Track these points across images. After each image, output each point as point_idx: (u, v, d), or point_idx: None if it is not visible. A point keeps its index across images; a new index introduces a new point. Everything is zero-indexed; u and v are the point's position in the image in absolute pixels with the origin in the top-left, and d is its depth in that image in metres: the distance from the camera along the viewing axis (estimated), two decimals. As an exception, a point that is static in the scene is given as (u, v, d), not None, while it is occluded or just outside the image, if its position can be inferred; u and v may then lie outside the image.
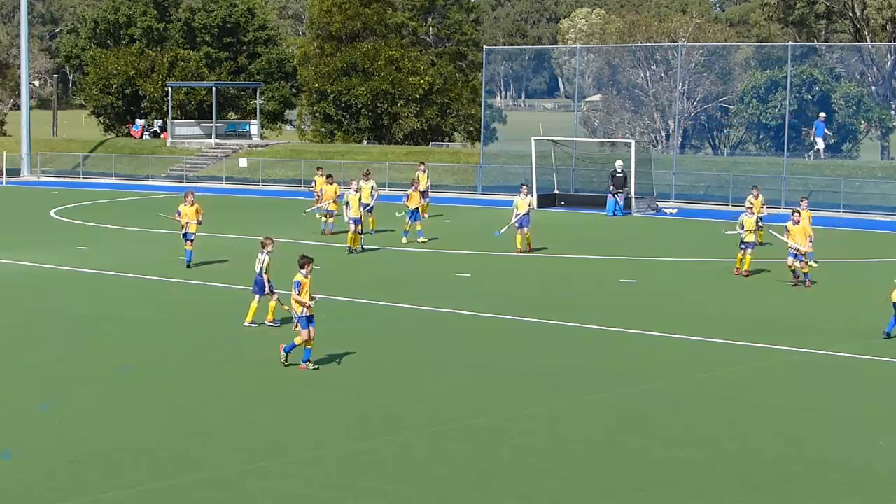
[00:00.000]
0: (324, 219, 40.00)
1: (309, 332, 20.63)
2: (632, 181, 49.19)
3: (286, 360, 20.83)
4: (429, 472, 15.48)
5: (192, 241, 32.07)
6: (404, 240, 37.82)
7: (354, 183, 38.00)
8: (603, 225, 43.83)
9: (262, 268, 23.88)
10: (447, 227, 42.72)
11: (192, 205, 31.96)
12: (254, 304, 24.18)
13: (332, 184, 40.04)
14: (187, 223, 31.82)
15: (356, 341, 23.37)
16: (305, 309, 20.58)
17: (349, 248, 35.59)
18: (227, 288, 28.96)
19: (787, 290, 29.83)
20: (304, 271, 20.77)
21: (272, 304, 24.03)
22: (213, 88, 75.20)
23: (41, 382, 20.07)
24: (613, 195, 48.39)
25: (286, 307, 21.71)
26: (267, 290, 23.89)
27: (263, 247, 24.16)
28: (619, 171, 48.71)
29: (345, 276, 31.00)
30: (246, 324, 24.15)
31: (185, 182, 64.64)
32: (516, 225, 35.20)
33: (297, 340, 20.73)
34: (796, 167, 54.10)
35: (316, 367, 20.80)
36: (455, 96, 75.27)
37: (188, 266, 31.94)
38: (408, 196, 38.00)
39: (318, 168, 46.26)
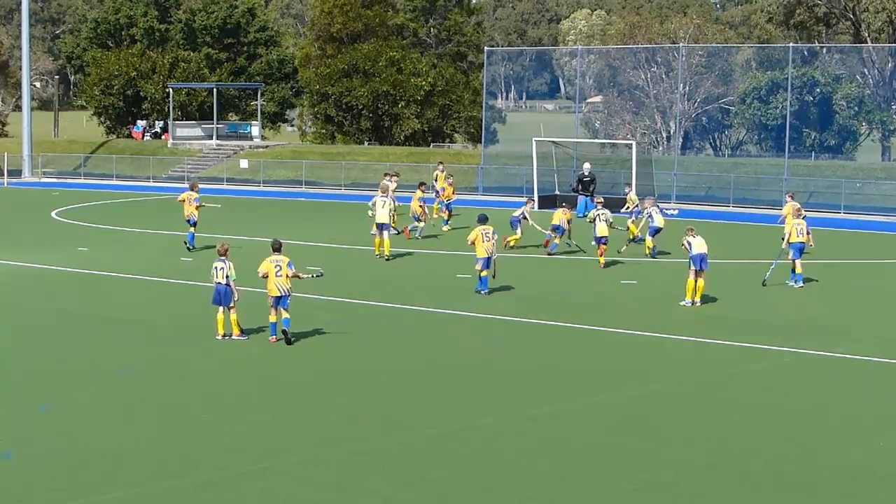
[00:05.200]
0: (417, 224, 39.65)
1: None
2: (633, 182, 49.14)
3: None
4: (429, 472, 15.48)
5: None
6: (445, 228, 41.39)
7: (386, 191, 36.73)
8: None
9: (226, 276, 22.85)
10: (447, 227, 42.71)
11: None
12: (220, 316, 23.22)
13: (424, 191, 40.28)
14: None
15: (356, 341, 23.39)
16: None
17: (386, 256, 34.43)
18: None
19: (787, 291, 29.84)
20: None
21: (234, 316, 23.15)
22: (214, 89, 75.26)
23: (42, 383, 20.09)
24: (577, 194, 48.01)
25: (303, 276, 23.40)
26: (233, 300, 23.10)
27: (221, 254, 23.05)
28: (587, 174, 48.36)
29: (344, 277, 31.01)
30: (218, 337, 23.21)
31: (186, 183, 64.73)
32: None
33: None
34: (797, 168, 54.12)
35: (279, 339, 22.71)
36: (456, 98, 75.31)
37: None
38: (443, 189, 42.29)
39: (443, 167, 45.83)
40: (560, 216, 35.60)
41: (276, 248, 23.07)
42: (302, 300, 26.62)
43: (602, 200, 35.05)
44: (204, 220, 37.80)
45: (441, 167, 45.24)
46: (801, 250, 30.11)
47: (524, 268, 33.83)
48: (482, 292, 28.38)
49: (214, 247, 24.60)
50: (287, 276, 22.64)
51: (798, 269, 30.07)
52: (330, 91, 73.44)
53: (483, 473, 15.37)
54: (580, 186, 48.57)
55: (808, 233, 30.40)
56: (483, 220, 28.69)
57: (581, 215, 47.61)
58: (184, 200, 36.53)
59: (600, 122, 79.52)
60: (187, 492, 14.63)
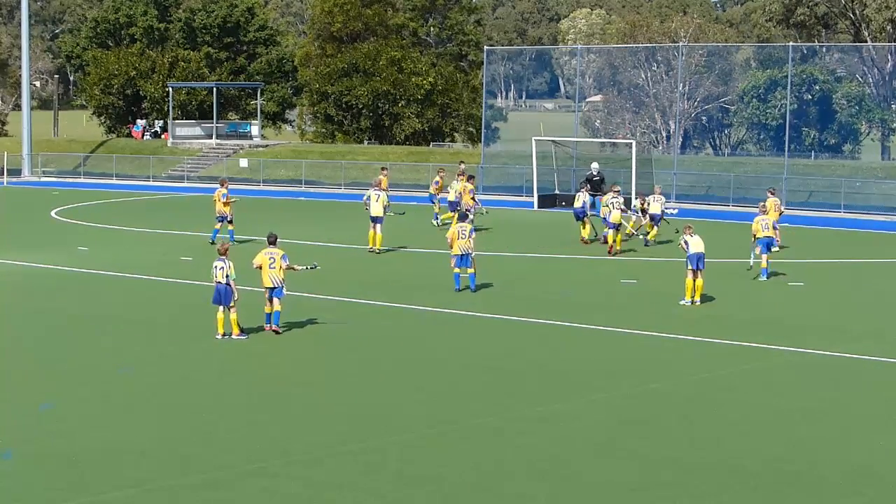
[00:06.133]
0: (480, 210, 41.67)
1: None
2: (633, 182, 49.06)
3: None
4: (429, 472, 15.49)
5: None
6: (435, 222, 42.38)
7: (376, 183, 39.33)
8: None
9: (226, 275, 22.87)
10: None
11: None
12: (220, 315, 23.24)
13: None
14: None
15: (356, 341, 23.40)
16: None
17: (378, 249, 35.61)
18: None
19: (787, 290, 29.85)
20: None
21: (234, 316, 23.14)
22: (214, 89, 75.20)
23: (42, 382, 20.09)
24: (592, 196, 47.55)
25: (298, 268, 24.34)
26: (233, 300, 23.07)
27: (222, 254, 23.09)
28: (596, 173, 47.99)
29: (345, 276, 31.02)
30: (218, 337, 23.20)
31: (186, 182, 64.76)
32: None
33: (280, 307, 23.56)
34: (797, 167, 54.10)
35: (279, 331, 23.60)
36: (456, 97, 75.25)
37: None
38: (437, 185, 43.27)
39: (464, 166, 46.51)
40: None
41: (272, 241, 23.88)
42: (301, 299, 26.66)
43: (618, 189, 37.17)
44: (202, 218, 37.84)
45: (462, 166, 45.45)
46: (767, 245, 30.64)
47: (524, 268, 33.84)
48: (468, 289, 28.37)
49: (230, 245, 24.47)
50: (281, 268, 23.27)
51: (763, 264, 30.62)
52: (330, 90, 73.40)
53: (483, 473, 15.38)
54: (589, 186, 48.07)
55: (774, 228, 31.21)
56: (462, 217, 29.15)
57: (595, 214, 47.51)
58: (217, 199, 37.40)
59: (600, 122, 79.45)
60: (187, 491, 14.63)
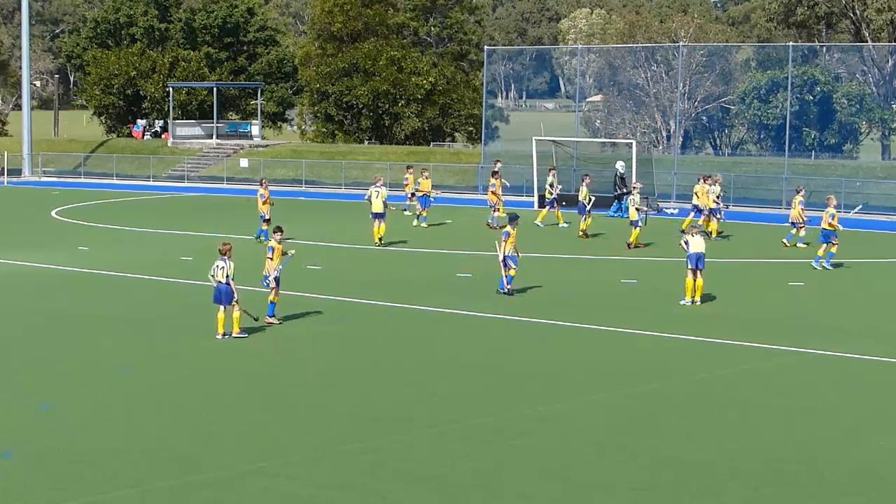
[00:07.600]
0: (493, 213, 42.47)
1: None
2: (633, 181, 49.00)
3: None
4: (429, 472, 15.48)
5: None
6: (415, 223, 42.79)
7: (380, 179, 40.06)
8: (604, 225, 43.74)
9: (227, 275, 22.89)
10: (448, 227, 42.75)
11: None
12: (221, 315, 23.30)
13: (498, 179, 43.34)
14: None
15: (356, 341, 23.40)
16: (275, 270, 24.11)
17: (379, 240, 37.25)
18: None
19: (787, 290, 29.86)
20: (277, 237, 24.66)
21: (236, 314, 23.17)
22: (214, 89, 75.22)
23: (42, 382, 20.09)
24: (620, 198, 47.64)
25: (291, 253, 24.94)
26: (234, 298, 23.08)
27: (223, 254, 23.02)
28: (622, 171, 48.06)
29: (345, 276, 31.03)
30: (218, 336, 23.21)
31: (186, 182, 64.76)
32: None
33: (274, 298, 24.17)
34: (797, 167, 54.11)
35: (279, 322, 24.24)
36: (457, 97, 75.26)
37: None
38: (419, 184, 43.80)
39: (500, 165, 46.99)
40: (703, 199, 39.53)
41: (274, 230, 25.42)
42: (302, 299, 26.67)
43: (637, 185, 39.43)
44: (200, 220, 37.83)
45: (497, 165, 45.81)
46: (826, 236, 32.78)
47: (525, 267, 33.79)
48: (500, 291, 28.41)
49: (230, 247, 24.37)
50: (268, 257, 24.28)
51: (818, 252, 32.95)
52: (330, 90, 73.42)
53: (483, 473, 15.37)
54: (617, 184, 47.89)
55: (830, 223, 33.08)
56: (511, 219, 29.00)
57: (621, 215, 47.54)
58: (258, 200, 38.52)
59: (600, 122, 79.46)
60: (187, 491, 14.63)
